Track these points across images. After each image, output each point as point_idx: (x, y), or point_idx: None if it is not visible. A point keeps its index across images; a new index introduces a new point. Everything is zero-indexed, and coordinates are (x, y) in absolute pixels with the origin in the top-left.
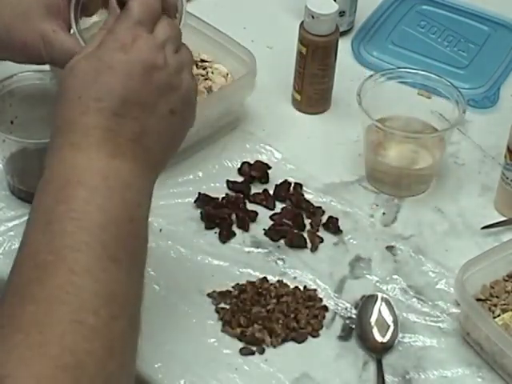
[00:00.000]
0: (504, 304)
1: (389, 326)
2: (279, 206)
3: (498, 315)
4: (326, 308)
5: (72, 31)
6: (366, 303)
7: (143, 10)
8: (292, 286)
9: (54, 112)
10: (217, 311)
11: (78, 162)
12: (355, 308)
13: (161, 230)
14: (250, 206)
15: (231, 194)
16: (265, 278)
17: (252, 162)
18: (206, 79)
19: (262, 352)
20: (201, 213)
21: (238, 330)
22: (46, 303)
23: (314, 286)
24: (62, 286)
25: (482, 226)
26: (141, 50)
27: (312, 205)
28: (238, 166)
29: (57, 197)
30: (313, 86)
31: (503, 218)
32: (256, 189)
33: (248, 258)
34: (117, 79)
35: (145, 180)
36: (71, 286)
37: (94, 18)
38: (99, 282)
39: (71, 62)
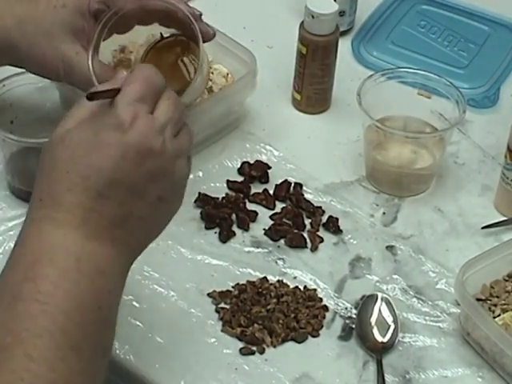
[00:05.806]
0: (504, 304)
1: (389, 326)
2: (279, 206)
3: (498, 315)
4: (326, 308)
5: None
6: (366, 303)
7: (145, 85)
8: (292, 286)
9: (36, 180)
10: (217, 311)
11: (54, 239)
12: (355, 308)
13: None
14: (250, 206)
15: (231, 193)
16: (265, 277)
17: (252, 162)
18: None
19: (262, 352)
20: (201, 213)
21: (238, 330)
22: None
23: (314, 286)
24: (17, 372)
25: (482, 225)
26: (139, 132)
27: (312, 205)
28: (238, 165)
29: (26, 273)
30: (313, 85)
31: (503, 218)
32: (256, 188)
33: (248, 258)
34: (109, 159)
35: (120, 265)
36: (26, 373)
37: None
38: (56, 372)
39: (61, 130)
